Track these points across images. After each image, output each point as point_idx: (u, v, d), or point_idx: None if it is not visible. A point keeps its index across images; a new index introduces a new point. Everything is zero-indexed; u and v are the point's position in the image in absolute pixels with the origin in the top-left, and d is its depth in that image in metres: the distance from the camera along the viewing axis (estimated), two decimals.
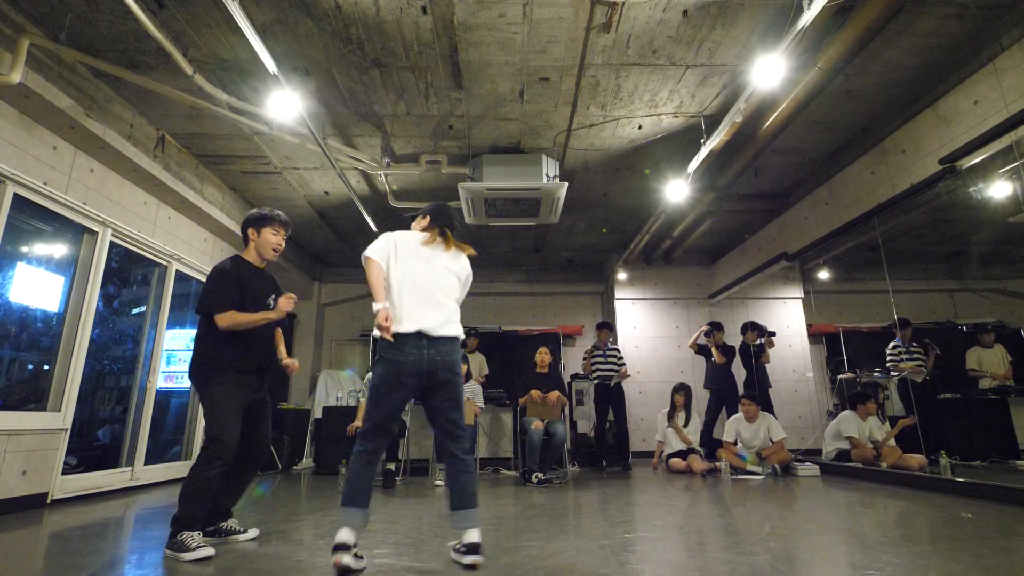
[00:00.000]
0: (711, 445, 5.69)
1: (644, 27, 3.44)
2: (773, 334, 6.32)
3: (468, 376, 5.42)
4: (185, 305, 5.45)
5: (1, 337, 3.55)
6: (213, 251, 5.68)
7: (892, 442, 4.99)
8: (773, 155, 5.07)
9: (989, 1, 3.25)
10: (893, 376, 5.64)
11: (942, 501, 3.43)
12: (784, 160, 5.21)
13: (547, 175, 4.79)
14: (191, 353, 2.49)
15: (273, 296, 2.66)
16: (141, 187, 4.59)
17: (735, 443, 5.37)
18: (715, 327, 6.25)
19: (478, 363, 6.37)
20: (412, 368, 2.08)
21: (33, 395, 3.72)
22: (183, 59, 3.37)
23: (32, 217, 3.65)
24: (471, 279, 2.43)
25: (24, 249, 3.68)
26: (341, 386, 7.44)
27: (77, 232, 4.01)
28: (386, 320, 2.08)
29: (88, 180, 4.03)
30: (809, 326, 7.36)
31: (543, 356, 5.18)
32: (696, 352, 6.47)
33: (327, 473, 5.69)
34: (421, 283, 2.20)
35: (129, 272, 4.89)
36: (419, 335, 2.11)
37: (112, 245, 4.23)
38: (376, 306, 2.11)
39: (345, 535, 1.93)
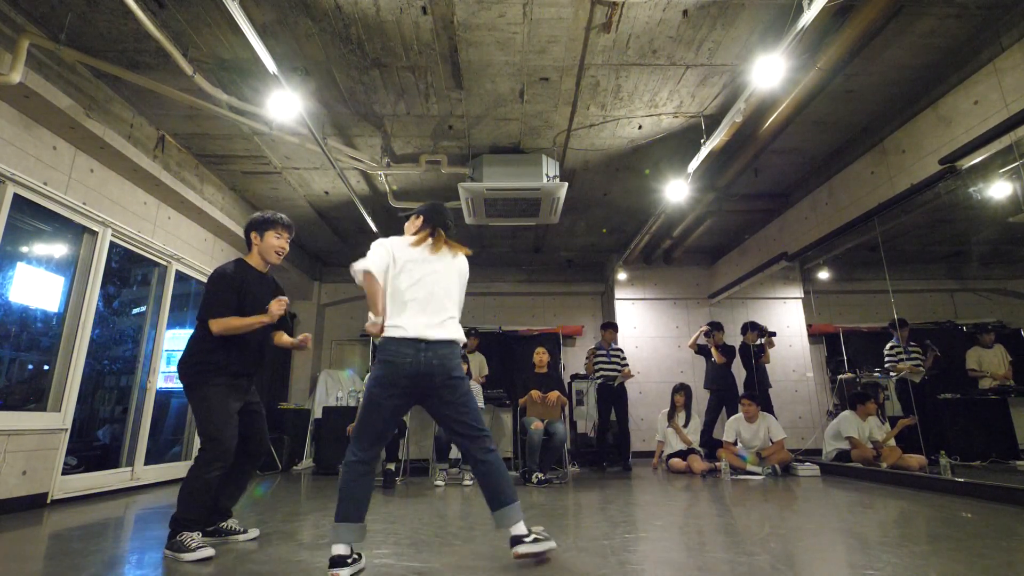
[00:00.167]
0: (711, 445, 5.69)
1: (644, 27, 3.44)
2: (773, 334, 6.32)
3: (468, 376, 5.43)
4: (185, 305, 5.45)
5: (1, 337, 3.55)
6: (213, 251, 5.68)
7: (892, 442, 4.99)
8: (773, 155, 5.07)
9: (989, 1, 3.25)
10: (891, 376, 5.64)
11: (942, 501, 3.43)
12: (784, 160, 5.21)
13: (547, 175, 4.79)
14: (183, 351, 2.46)
15: None
16: (141, 187, 4.59)
17: (735, 443, 5.37)
18: (715, 327, 6.25)
19: (478, 363, 6.37)
20: (408, 370, 2.03)
21: (33, 395, 3.72)
22: (183, 59, 3.37)
23: (32, 217, 3.65)
24: (467, 278, 2.37)
25: (24, 249, 3.68)
26: (341, 386, 7.44)
27: (77, 232, 4.01)
28: (374, 326, 2.11)
29: (88, 180, 4.03)
30: (809, 326, 7.36)
31: (541, 356, 5.18)
32: (696, 352, 6.47)
33: (327, 473, 5.69)
34: (418, 287, 2.15)
35: (129, 272, 4.89)
36: (416, 339, 2.06)
37: (112, 245, 4.23)
38: (372, 319, 2.11)
39: (340, 548, 1.89)
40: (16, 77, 3.10)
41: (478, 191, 4.80)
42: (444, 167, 5.00)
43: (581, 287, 8.47)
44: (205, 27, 3.40)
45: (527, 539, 1.95)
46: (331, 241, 7.34)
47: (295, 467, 6.49)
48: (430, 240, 2.28)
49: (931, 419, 5.19)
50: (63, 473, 3.68)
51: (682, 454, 5.49)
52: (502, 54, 3.68)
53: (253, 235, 2.63)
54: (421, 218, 2.35)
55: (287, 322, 2.76)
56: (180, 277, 5.10)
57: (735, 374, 6.22)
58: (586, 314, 8.48)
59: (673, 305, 7.83)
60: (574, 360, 8.13)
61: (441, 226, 2.32)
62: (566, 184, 4.80)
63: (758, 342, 6.29)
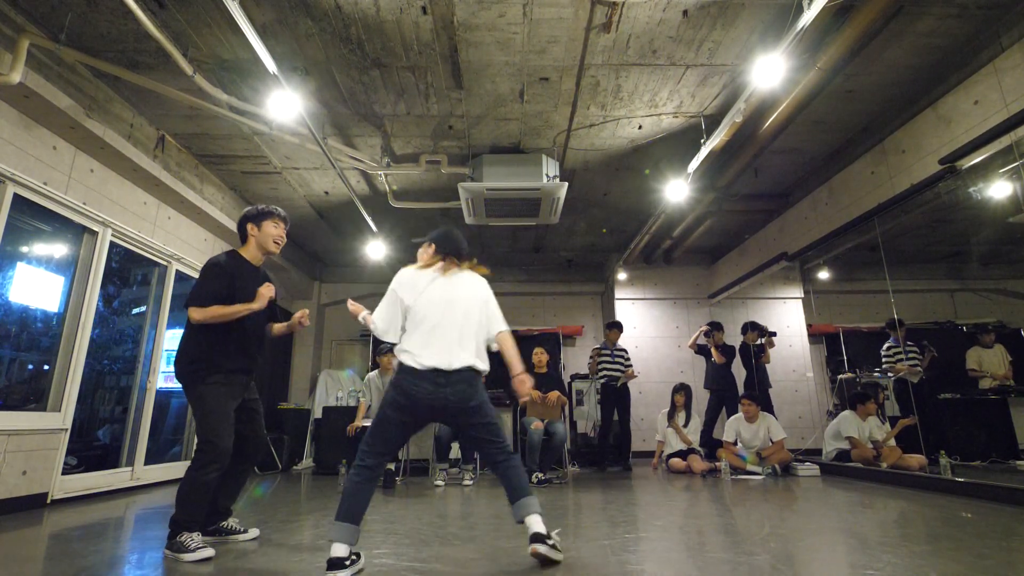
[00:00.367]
0: (711, 445, 5.69)
1: (644, 27, 3.44)
2: (774, 334, 6.32)
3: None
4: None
5: (1, 337, 3.55)
6: (213, 251, 5.68)
7: (892, 442, 4.99)
8: (773, 155, 5.07)
9: (989, 1, 3.25)
10: (889, 377, 5.64)
11: (942, 501, 3.43)
12: (784, 160, 5.21)
13: (547, 175, 4.79)
14: (178, 350, 2.42)
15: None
16: (141, 187, 4.59)
17: (735, 443, 5.37)
18: (715, 327, 6.25)
19: None
20: (426, 403, 2.04)
21: (33, 395, 3.72)
22: (183, 59, 3.37)
23: (32, 217, 3.65)
24: (492, 303, 2.32)
25: (24, 249, 3.68)
26: (341, 386, 7.44)
27: (77, 232, 4.01)
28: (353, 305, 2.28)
29: (88, 180, 4.03)
30: (809, 326, 7.36)
31: (539, 356, 5.18)
32: (696, 352, 6.47)
33: (327, 473, 5.69)
34: (434, 317, 2.13)
35: (129, 272, 4.89)
36: (435, 371, 2.05)
37: (112, 245, 4.23)
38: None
39: (339, 550, 1.89)
40: (16, 77, 3.10)
41: (478, 191, 4.80)
42: (444, 167, 5.00)
43: (581, 287, 8.47)
44: (205, 27, 3.40)
45: (548, 541, 1.96)
46: (331, 241, 7.34)
47: (295, 467, 6.49)
48: (441, 265, 2.26)
49: (931, 419, 5.19)
50: (63, 473, 3.68)
51: (682, 454, 5.49)
52: (502, 54, 3.68)
53: (250, 227, 2.58)
54: (433, 246, 2.33)
55: (276, 313, 2.71)
56: (180, 277, 5.10)
57: (735, 374, 6.22)
58: (586, 314, 8.48)
59: (673, 305, 7.83)
60: (574, 360, 8.13)
61: (453, 254, 2.30)
62: (566, 184, 4.80)
63: (758, 342, 6.29)
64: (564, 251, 7.92)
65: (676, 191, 4.88)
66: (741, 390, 6.08)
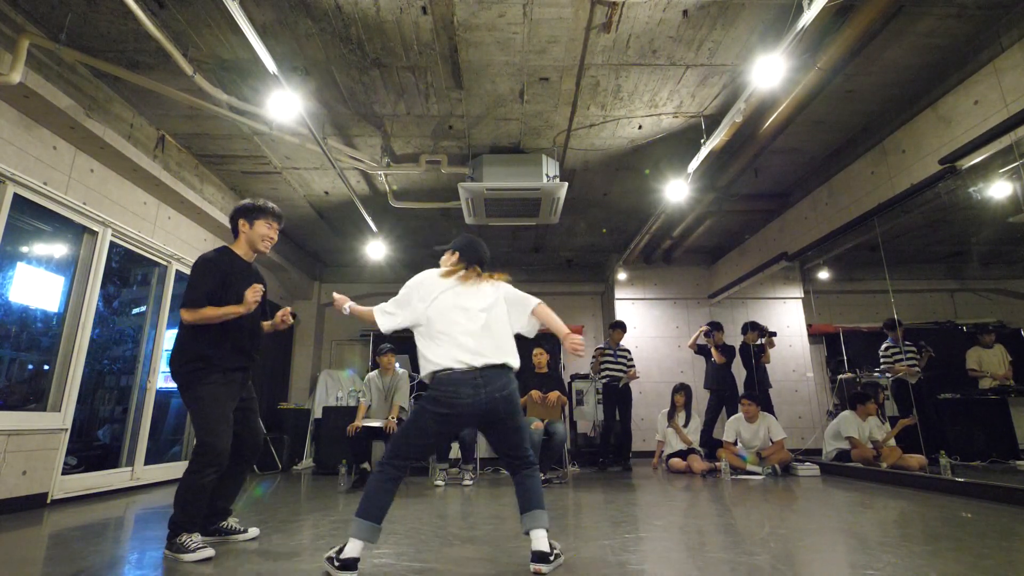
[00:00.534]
0: (711, 445, 5.69)
1: (644, 27, 3.44)
2: (774, 334, 6.32)
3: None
4: None
5: (1, 337, 3.55)
6: None
7: (892, 442, 4.99)
8: (773, 155, 5.07)
9: (989, 1, 3.25)
10: (888, 377, 5.64)
11: (942, 501, 3.43)
12: (784, 160, 5.21)
13: (547, 175, 4.79)
14: (173, 349, 2.38)
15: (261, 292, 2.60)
16: (141, 187, 4.59)
17: (735, 443, 5.37)
18: (715, 327, 6.25)
19: None
20: (468, 410, 2.00)
21: (33, 395, 3.72)
22: (183, 59, 3.37)
23: (32, 217, 3.65)
24: (510, 288, 2.30)
25: (24, 249, 3.68)
26: (341, 386, 7.44)
27: (77, 232, 4.01)
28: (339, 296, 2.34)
29: (88, 180, 4.03)
30: (809, 326, 7.36)
31: (539, 357, 5.17)
32: (696, 352, 6.47)
33: (327, 473, 5.69)
34: (455, 318, 2.10)
35: (129, 272, 4.89)
36: (468, 372, 2.01)
37: (112, 245, 4.23)
38: (341, 302, 2.29)
39: (355, 548, 1.88)
40: (16, 77, 3.09)
41: (478, 191, 4.79)
42: (444, 167, 5.00)
43: (581, 287, 8.47)
44: (205, 27, 3.40)
45: (551, 559, 1.92)
46: (331, 241, 7.35)
47: (295, 467, 6.49)
48: (462, 274, 2.24)
49: (931, 419, 5.19)
50: (63, 473, 3.68)
51: (682, 454, 5.49)
52: (502, 54, 3.68)
53: (241, 222, 2.54)
54: (457, 254, 2.32)
55: (267, 310, 2.68)
56: (180, 277, 5.10)
57: (735, 374, 6.22)
58: (586, 314, 8.48)
59: (673, 305, 7.83)
60: (574, 360, 8.13)
61: (477, 263, 2.29)
62: (566, 184, 4.80)
63: (758, 342, 6.29)
64: (564, 251, 7.92)
65: (676, 191, 4.88)
66: (741, 390, 6.08)
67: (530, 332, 2.28)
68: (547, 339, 7.49)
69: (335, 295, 2.43)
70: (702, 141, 4.31)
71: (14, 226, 3.46)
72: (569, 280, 8.48)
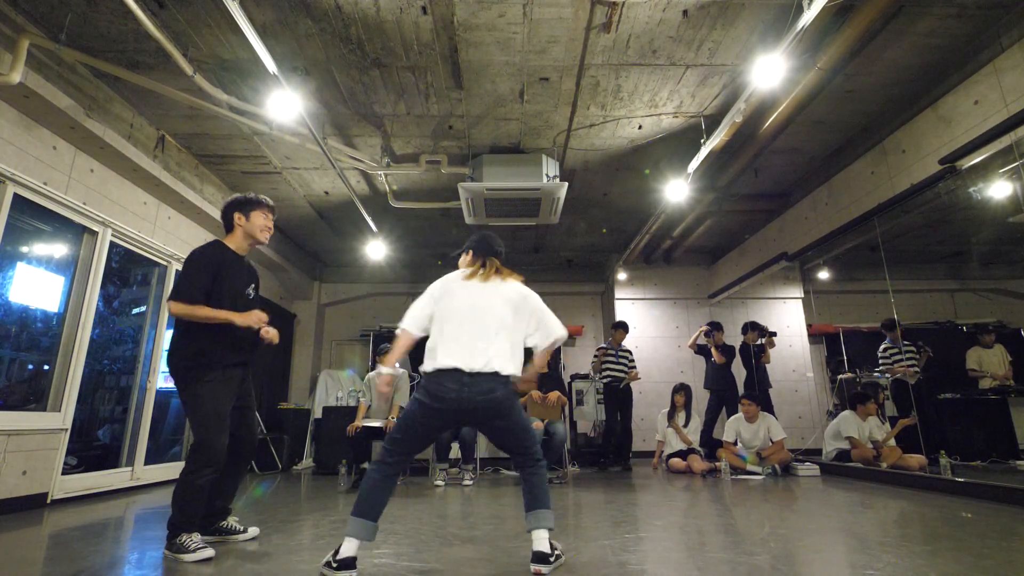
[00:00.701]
0: (711, 445, 5.69)
1: (644, 27, 3.44)
2: (774, 334, 6.32)
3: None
4: None
5: (1, 337, 3.55)
6: None
7: (892, 442, 4.99)
8: (773, 155, 5.07)
9: (989, 1, 3.25)
10: (887, 377, 5.64)
11: (942, 501, 3.43)
12: (784, 160, 5.21)
13: (547, 175, 4.79)
14: (171, 346, 2.35)
15: (253, 286, 2.58)
16: (141, 187, 4.59)
17: (735, 443, 5.37)
18: (715, 327, 6.25)
19: None
20: (451, 405, 2.01)
21: (33, 395, 3.72)
22: (183, 59, 3.37)
23: (32, 217, 3.65)
24: (533, 300, 2.29)
25: (24, 249, 3.68)
26: (341, 386, 7.44)
27: (77, 232, 4.01)
28: (386, 386, 2.17)
29: (88, 180, 4.03)
30: (809, 326, 7.36)
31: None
32: (696, 352, 6.47)
33: (327, 473, 5.69)
34: (462, 318, 2.11)
35: (129, 272, 4.89)
36: (456, 370, 2.01)
37: (112, 245, 4.23)
38: (384, 370, 2.16)
39: (352, 548, 1.88)
40: (16, 77, 3.10)
41: (478, 191, 4.79)
42: (444, 167, 5.00)
43: (581, 287, 8.47)
44: (205, 27, 3.40)
45: (551, 560, 1.92)
46: (331, 241, 7.34)
47: (295, 467, 6.49)
48: (483, 271, 2.26)
49: (931, 419, 5.19)
50: (63, 473, 3.68)
51: (682, 454, 5.49)
52: (502, 54, 3.68)
53: (237, 216, 2.52)
54: (471, 252, 2.35)
55: (258, 304, 2.67)
56: None
57: (735, 374, 6.22)
58: (586, 314, 8.48)
59: (673, 305, 7.83)
60: (574, 360, 8.13)
61: (492, 254, 2.32)
62: (566, 184, 4.80)
63: (758, 342, 6.29)
64: (564, 251, 7.92)
65: (676, 191, 4.88)
66: (741, 390, 6.08)
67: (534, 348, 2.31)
68: None
69: (381, 378, 2.25)
70: (702, 141, 4.31)
71: (14, 226, 3.46)
72: (569, 280, 8.48)
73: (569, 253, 8.02)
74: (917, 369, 5.37)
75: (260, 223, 2.56)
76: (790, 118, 4.09)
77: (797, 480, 4.70)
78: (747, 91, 3.52)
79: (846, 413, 5.19)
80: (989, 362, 5.44)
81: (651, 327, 7.72)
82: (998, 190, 3.97)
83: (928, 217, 5.03)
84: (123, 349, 4.75)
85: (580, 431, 6.76)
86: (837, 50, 3.37)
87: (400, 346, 2.16)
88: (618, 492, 4.04)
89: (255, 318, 2.39)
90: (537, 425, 4.77)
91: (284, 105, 3.56)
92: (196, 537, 2.18)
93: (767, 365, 6.28)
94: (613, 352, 6.13)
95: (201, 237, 5.49)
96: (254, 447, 2.55)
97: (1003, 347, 5.48)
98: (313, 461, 6.59)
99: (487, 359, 2.04)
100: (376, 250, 6.42)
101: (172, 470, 4.89)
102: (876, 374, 5.83)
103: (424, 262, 8.13)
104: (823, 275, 6.97)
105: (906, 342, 5.50)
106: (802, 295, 7.56)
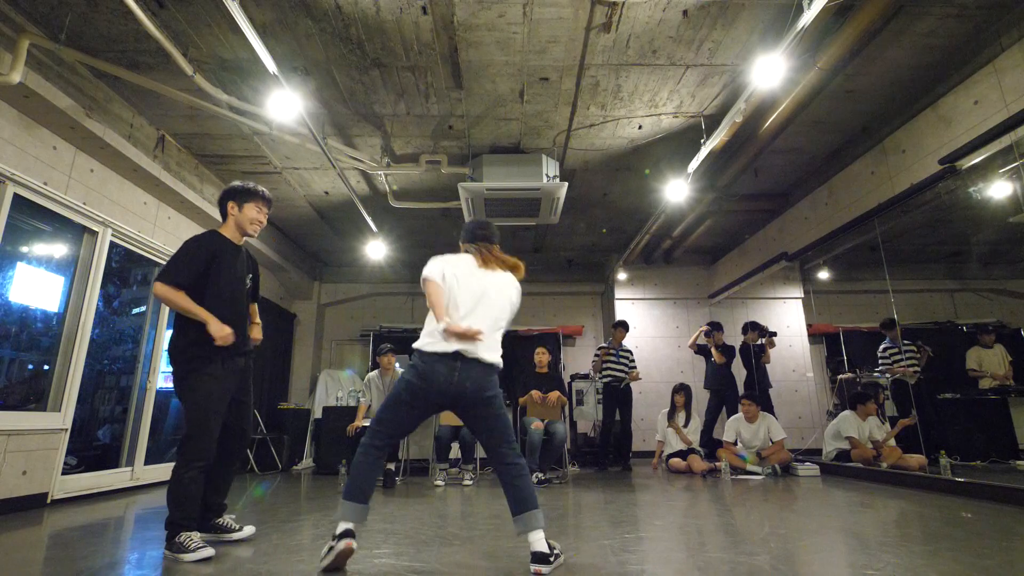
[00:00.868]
0: (711, 445, 5.69)
1: (644, 27, 3.44)
2: (774, 334, 6.32)
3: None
4: None
5: (1, 337, 3.55)
6: None
7: (892, 442, 4.99)
8: (773, 155, 5.07)
9: (989, 1, 3.25)
10: (887, 377, 5.64)
11: (942, 501, 3.43)
12: (784, 160, 5.21)
13: (547, 175, 4.79)
14: (172, 335, 2.33)
15: (251, 276, 2.57)
16: (141, 187, 4.59)
17: (735, 443, 5.37)
18: (715, 327, 6.25)
19: None
20: (440, 387, 2.02)
21: (33, 395, 3.72)
22: (183, 59, 3.37)
23: (32, 217, 3.65)
24: (518, 301, 2.30)
25: (24, 249, 3.68)
26: (341, 386, 7.44)
27: (77, 232, 4.01)
28: (460, 331, 2.02)
29: (88, 180, 4.03)
30: (809, 326, 7.36)
31: (541, 356, 5.18)
32: (696, 352, 6.47)
33: (327, 473, 5.69)
34: (466, 307, 2.12)
35: (129, 272, 4.89)
36: (455, 356, 2.03)
37: (112, 245, 4.23)
38: (439, 324, 2.06)
39: (347, 524, 1.94)
40: (16, 77, 3.10)
41: (478, 191, 4.80)
42: (444, 167, 5.00)
43: (581, 287, 8.47)
44: (205, 27, 3.40)
45: (551, 560, 1.92)
46: (331, 241, 7.34)
47: (295, 467, 6.49)
48: (480, 257, 2.27)
49: (931, 419, 5.19)
50: (63, 473, 3.68)
51: (682, 454, 5.49)
52: (502, 54, 3.68)
53: (231, 205, 2.50)
54: (462, 243, 2.37)
55: (257, 293, 2.68)
56: None
57: (735, 374, 6.22)
58: (586, 314, 8.48)
59: (673, 305, 7.83)
60: (574, 360, 8.13)
61: (483, 239, 2.31)
62: (566, 184, 4.80)
63: (758, 342, 6.29)
64: (564, 251, 7.93)
65: (676, 191, 4.88)
66: (741, 390, 6.08)
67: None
68: (548, 339, 7.53)
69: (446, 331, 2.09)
70: (702, 141, 4.31)
71: (14, 226, 3.46)
72: (569, 280, 8.48)
73: (569, 253, 8.02)
74: (918, 369, 5.37)
75: (252, 215, 2.53)
76: (790, 118, 4.09)
77: (797, 480, 4.70)
78: (747, 91, 3.52)
79: (846, 413, 5.19)
80: (989, 362, 5.44)
81: (651, 327, 7.72)
82: (998, 190, 3.97)
83: (928, 217, 5.03)
84: (123, 349, 4.75)
85: (580, 431, 6.77)
86: (837, 50, 3.37)
87: (436, 298, 2.09)
88: (618, 492, 4.04)
89: (227, 333, 2.27)
90: (537, 425, 4.77)
91: (284, 105, 3.56)
92: (195, 536, 2.18)
93: (767, 365, 6.28)
94: (614, 352, 6.13)
95: None
96: (246, 442, 2.53)
97: (1003, 347, 5.48)
98: (313, 461, 6.59)
99: (484, 348, 2.08)
100: (376, 250, 6.42)
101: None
102: (876, 374, 5.83)
103: (424, 262, 8.08)
104: (823, 275, 6.97)
105: (906, 341, 5.50)
106: (802, 295, 7.56)
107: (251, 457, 6.04)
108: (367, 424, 4.63)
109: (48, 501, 3.53)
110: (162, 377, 4.85)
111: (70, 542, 2.50)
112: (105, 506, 3.58)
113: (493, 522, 2.89)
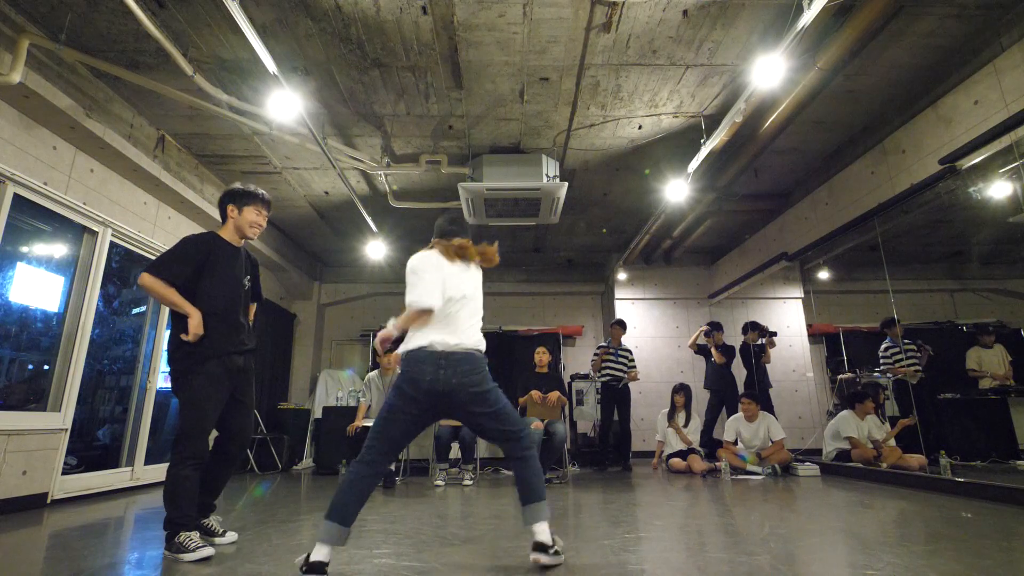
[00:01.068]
0: (711, 445, 5.69)
1: (644, 27, 3.44)
2: (774, 334, 6.32)
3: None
4: None
5: (1, 337, 3.55)
6: None
7: (892, 442, 4.99)
8: (773, 155, 5.07)
9: (989, 1, 3.25)
10: (888, 377, 5.64)
11: (942, 501, 3.43)
12: (784, 160, 5.21)
13: (547, 175, 4.79)
14: (171, 333, 2.34)
15: (249, 278, 2.57)
16: (141, 187, 4.59)
17: (735, 443, 5.37)
18: (715, 327, 6.25)
19: None
20: (427, 387, 1.99)
21: (33, 395, 3.72)
22: (183, 59, 3.37)
23: (32, 217, 3.65)
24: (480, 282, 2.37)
25: (24, 249, 3.68)
26: (341, 386, 7.44)
27: (77, 232, 4.01)
28: (380, 342, 2.14)
29: (88, 180, 4.03)
30: (809, 326, 7.36)
31: (542, 356, 5.18)
32: (696, 352, 6.47)
33: (327, 473, 5.69)
34: (451, 307, 2.13)
35: (129, 272, 4.88)
36: (436, 353, 2.03)
37: (112, 245, 4.23)
38: (389, 326, 2.12)
39: (323, 553, 1.82)
40: (16, 77, 3.10)
41: (478, 191, 4.80)
42: (444, 167, 5.00)
43: (581, 287, 8.47)
44: (205, 27, 3.40)
45: (551, 551, 1.93)
46: (331, 241, 7.34)
47: (295, 467, 6.49)
48: (449, 251, 2.25)
49: (931, 419, 5.19)
50: (63, 473, 3.68)
51: (682, 454, 5.49)
52: (502, 54, 3.68)
53: (230, 208, 2.51)
54: (438, 237, 2.34)
55: (260, 292, 2.68)
56: None
57: (735, 374, 6.22)
58: (586, 314, 8.48)
59: (673, 305, 7.83)
60: (574, 360, 8.13)
61: (448, 234, 2.31)
62: (566, 184, 4.80)
63: (759, 342, 6.29)
64: (564, 251, 7.92)
65: (676, 191, 4.88)
66: (741, 390, 6.08)
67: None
68: (548, 339, 7.54)
69: (380, 336, 2.19)
70: (702, 141, 4.31)
71: (14, 226, 3.46)
72: (569, 280, 8.48)
73: (569, 253, 8.02)
74: (919, 368, 5.37)
75: (251, 219, 2.53)
76: (790, 118, 4.09)
77: (797, 480, 4.70)
78: (747, 91, 3.52)
79: (845, 413, 5.19)
80: (989, 362, 5.44)
81: (651, 327, 7.72)
82: (998, 190, 3.97)
83: (928, 217, 5.03)
84: (123, 349, 4.75)
85: (580, 431, 6.76)
86: (837, 50, 3.37)
87: (412, 319, 2.07)
88: (618, 492, 4.03)
89: (198, 332, 2.28)
90: (537, 425, 4.77)
91: (284, 105, 3.56)
92: (195, 536, 2.18)
93: (767, 365, 6.28)
94: (613, 351, 6.13)
95: None
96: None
97: (1003, 347, 5.48)
98: (313, 461, 6.60)
99: (466, 339, 2.10)
100: (376, 250, 6.42)
101: None
102: (876, 374, 5.83)
103: None
104: (823, 275, 6.97)
105: (906, 341, 5.50)
106: (802, 295, 7.55)
107: (251, 457, 6.04)
108: (367, 424, 4.65)
109: (48, 501, 3.53)
110: (162, 377, 4.84)
111: (70, 542, 2.50)
112: (105, 506, 3.58)
113: (493, 522, 2.89)
